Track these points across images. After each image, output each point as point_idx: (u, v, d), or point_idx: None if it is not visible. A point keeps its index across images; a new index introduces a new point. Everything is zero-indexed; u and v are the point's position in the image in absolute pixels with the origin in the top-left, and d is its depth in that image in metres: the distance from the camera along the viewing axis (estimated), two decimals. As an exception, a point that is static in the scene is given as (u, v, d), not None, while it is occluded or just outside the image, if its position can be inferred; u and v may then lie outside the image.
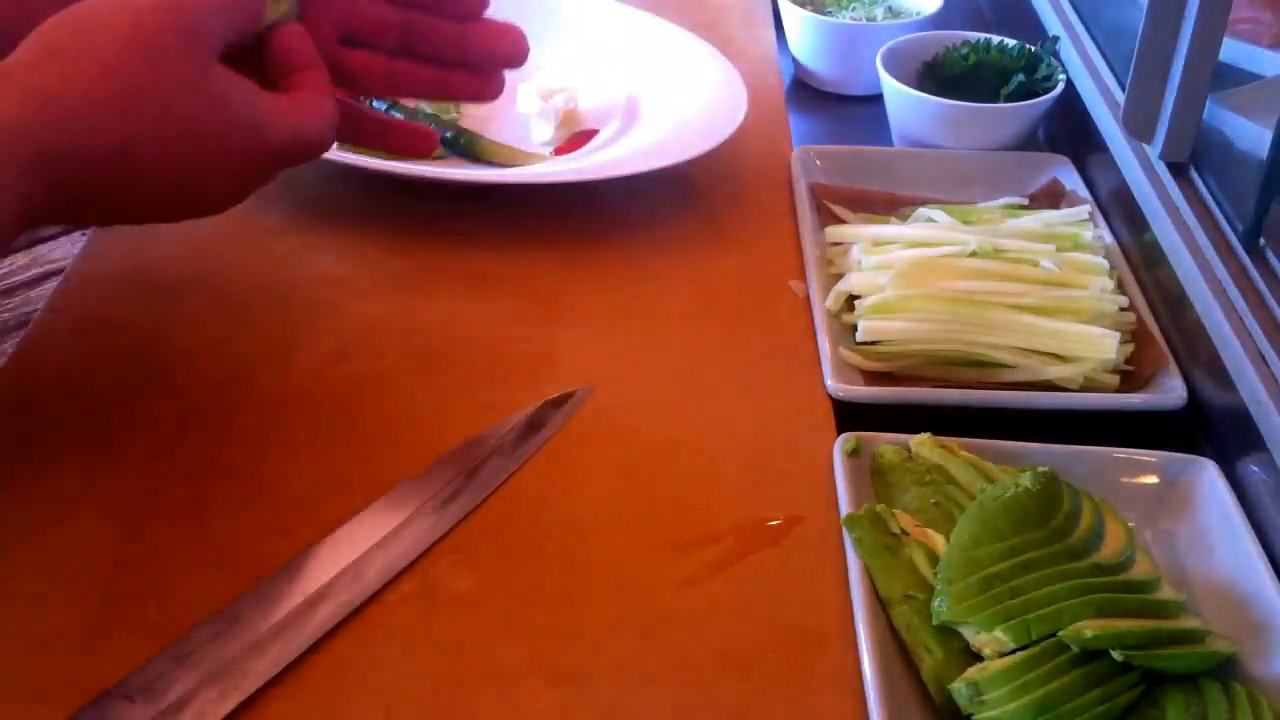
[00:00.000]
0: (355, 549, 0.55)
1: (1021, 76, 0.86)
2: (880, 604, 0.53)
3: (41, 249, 0.78)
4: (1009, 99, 0.85)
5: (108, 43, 0.51)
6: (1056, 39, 0.89)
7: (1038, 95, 0.86)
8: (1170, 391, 0.65)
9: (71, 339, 0.67)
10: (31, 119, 0.49)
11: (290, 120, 0.57)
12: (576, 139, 0.87)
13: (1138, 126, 0.74)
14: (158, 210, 0.55)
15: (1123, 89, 0.75)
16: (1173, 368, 0.66)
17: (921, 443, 0.60)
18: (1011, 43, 0.89)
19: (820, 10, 0.99)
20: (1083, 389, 0.66)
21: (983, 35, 0.90)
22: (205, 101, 0.53)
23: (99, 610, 0.52)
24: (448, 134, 0.84)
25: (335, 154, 0.75)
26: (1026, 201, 0.80)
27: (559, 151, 0.86)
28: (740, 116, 0.82)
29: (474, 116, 0.87)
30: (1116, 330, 0.67)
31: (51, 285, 0.73)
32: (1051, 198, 0.81)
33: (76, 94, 0.50)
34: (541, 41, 0.93)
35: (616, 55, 0.92)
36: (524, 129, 0.87)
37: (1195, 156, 0.72)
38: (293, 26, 0.60)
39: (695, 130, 0.82)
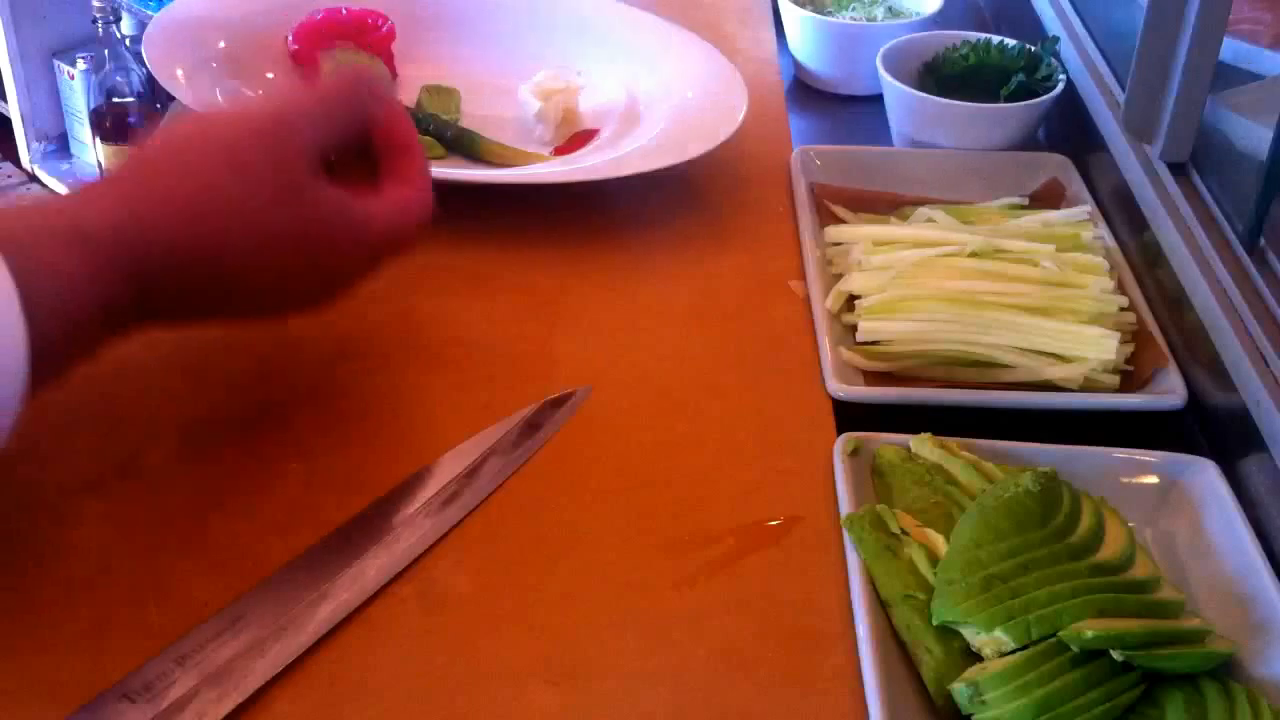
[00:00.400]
0: (355, 549, 0.55)
1: (1021, 76, 0.86)
2: (880, 604, 0.53)
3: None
4: (1009, 99, 0.85)
5: (203, 158, 0.54)
6: (1056, 39, 0.89)
7: (1038, 95, 0.86)
8: (1170, 391, 0.65)
9: (71, 339, 0.67)
10: (120, 223, 0.51)
11: (384, 223, 0.59)
12: (576, 139, 0.87)
13: (1138, 126, 0.74)
14: (250, 312, 0.58)
15: (1123, 89, 0.75)
16: (1173, 368, 0.66)
17: (921, 443, 0.60)
18: (1011, 43, 0.89)
19: (820, 10, 1.00)
20: (1082, 389, 0.66)
21: (983, 35, 0.90)
22: (295, 215, 0.55)
23: (99, 610, 0.52)
24: (448, 134, 0.84)
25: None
26: (1026, 201, 0.80)
27: (559, 151, 0.86)
28: (740, 116, 0.82)
29: (474, 116, 0.87)
30: (1116, 330, 0.67)
31: (51, 285, 0.72)
32: (1051, 198, 0.81)
33: (163, 201, 0.52)
34: (541, 41, 0.94)
35: (616, 55, 0.92)
36: (524, 129, 0.87)
37: (1195, 156, 0.72)
38: (390, 108, 0.62)
39: (695, 130, 0.82)
